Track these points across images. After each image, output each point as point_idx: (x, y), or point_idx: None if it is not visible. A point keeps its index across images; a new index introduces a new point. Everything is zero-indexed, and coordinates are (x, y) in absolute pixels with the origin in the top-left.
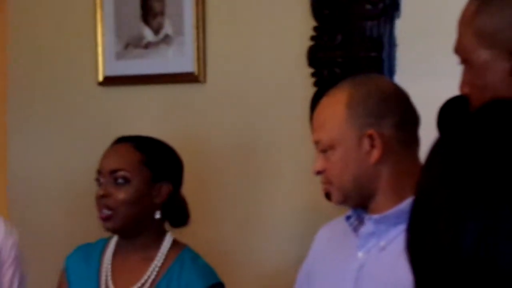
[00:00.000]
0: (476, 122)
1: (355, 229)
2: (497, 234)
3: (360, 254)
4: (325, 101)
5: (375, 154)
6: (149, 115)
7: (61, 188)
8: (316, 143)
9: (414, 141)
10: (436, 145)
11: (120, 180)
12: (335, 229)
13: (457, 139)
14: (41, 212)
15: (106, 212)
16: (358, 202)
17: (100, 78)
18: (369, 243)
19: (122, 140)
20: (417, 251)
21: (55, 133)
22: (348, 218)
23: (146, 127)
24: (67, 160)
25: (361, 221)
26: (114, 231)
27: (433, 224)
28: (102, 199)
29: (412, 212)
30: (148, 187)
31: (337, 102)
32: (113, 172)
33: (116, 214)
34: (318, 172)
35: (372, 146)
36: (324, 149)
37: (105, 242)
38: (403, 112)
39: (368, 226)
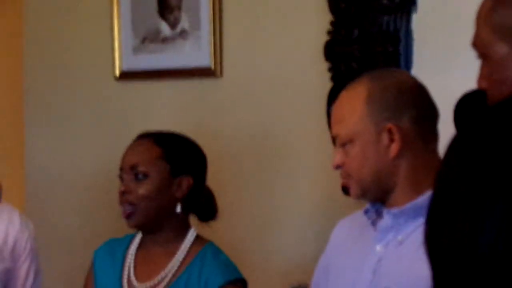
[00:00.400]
0: (495, 117)
1: (373, 223)
2: None
3: (378, 248)
4: (343, 96)
5: (394, 148)
6: (165, 109)
7: (78, 183)
8: (335, 137)
9: (433, 135)
10: (454, 140)
11: (139, 176)
12: (353, 223)
13: (475, 134)
14: (58, 206)
15: (128, 209)
16: (377, 196)
17: (117, 73)
18: (387, 236)
19: (143, 136)
20: (435, 245)
21: (72, 128)
22: (366, 211)
23: (162, 121)
24: (84, 155)
25: (379, 215)
26: (136, 227)
27: (451, 219)
28: (124, 195)
29: (431, 206)
30: (168, 181)
31: (355, 97)
32: (132, 167)
33: (138, 210)
34: (338, 166)
35: (391, 140)
36: (343, 143)
37: (131, 237)
38: (421, 106)
39: (386, 220)
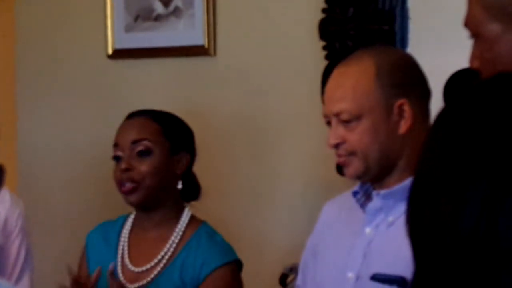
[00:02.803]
0: (479, 94)
1: (362, 206)
2: (498, 211)
3: (368, 230)
4: (346, 71)
5: (404, 125)
6: (158, 88)
7: (70, 160)
8: (336, 114)
9: (428, 114)
10: (438, 117)
11: (142, 152)
12: (341, 205)
13: (459, 112)
14: (50, 183)
15: (130, 185)
16: (376, 175)
17: (110, 51)
18: (377, 218)
19: (137, 114)
20: (416, 226)
21: (64, 106)
22: (355, 194)
23: (155, 100)
24: (76, 133)
25: (368, 197)
26: (138, 203)
27: (432, 199)
28: (125, 173)
29: (413, 186)
30: (168, 159)
31: (363, 72)
32: (135, 142)
33: (141, 187)
34: (336, 145)
35: (401, 116)
36: (348, 120)
37: (124, 219)
38: (425, 82)
39: (375, 202)
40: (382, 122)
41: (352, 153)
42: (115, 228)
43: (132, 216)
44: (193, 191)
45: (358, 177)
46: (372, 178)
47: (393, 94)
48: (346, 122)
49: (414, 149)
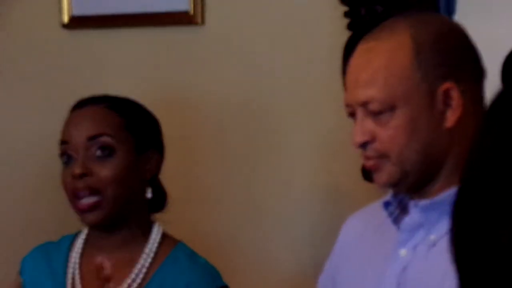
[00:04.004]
0: None
1: (395, 220)
2: None
3: (402, 252)
4: (375, 47)
5: (452, 115)
6: (128, 65)
7: (8, 158)
8: (362, 104)
9: (483, 101)
10: (493, 105)
11: (102, 152)
12: (368, 219)
13: None
14: None
15: (90, 199)
16: (415, 182)
17: (65, 19)
18: (415, 237)
19: (89, 102)
20: (463, 251)
21: (11, 88)
22: (386, 205)
23: (123, 81)
24: (25, 122)
25: (403, 209)
26: (99, 223)
27: (484, 216)
28: (80, 180)
29: (458, 198)
30: (135, 159)
31: (397, 47)
32: (92, 139)
33: (104, 199)
34: (364, 143)
35: (448, 105)
36: (378, 112)
37: (71, 239)
38: (478, 60)
39: (413, 215)
40: (423, 114)
41: (384, 155)
42: (60, 252)
43: (82, 236)
44: (159, 199)
45: (392, 185)
46: (410, 187)
47: (437, 77)
48: (375, 114)
49: (464, 146)
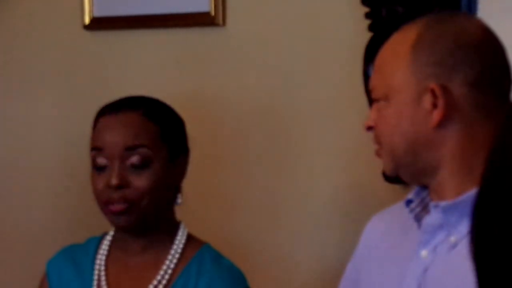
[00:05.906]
0: None
1: (417, 218)
2: None
3: (423, 253)
4: (390, 39)
5: (435, 116)
6: (149, 66)
7: (32, 160)
8: (371, 90)
9: (500, 106)
10: None
11: (139, 163)
12: (391, 219)
13: None
14: (18, 194)
15: (122, 205)
16: (414, 175)
17: (87, 20)
18: (436, 238)
19: (122, 107)
20: (483, 253)
21: (25, 91)
22: (408, 202)
23: (145, 83)
24: (47, 124)
25: (425, 208)
26: (130, 227)
27: (505, 218)
28: (116, 191)
29: (478, 199)
30: (168, 167)
31: (401, 42)
32: (130, 149)
33: (137, 207)
34: (369, 128)
35: (434, 105)
36: (376, 99)
37: (97, 241)
38: (486, 66)
39: (434, 216)
40: (408, 108)
41: (379, 143)
42: (87, 254)
43: (109, 238)
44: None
45: (392, 174)
46: (411, 179)
47: (429, 74)
48: (377, 102)
49: (459, 145)
